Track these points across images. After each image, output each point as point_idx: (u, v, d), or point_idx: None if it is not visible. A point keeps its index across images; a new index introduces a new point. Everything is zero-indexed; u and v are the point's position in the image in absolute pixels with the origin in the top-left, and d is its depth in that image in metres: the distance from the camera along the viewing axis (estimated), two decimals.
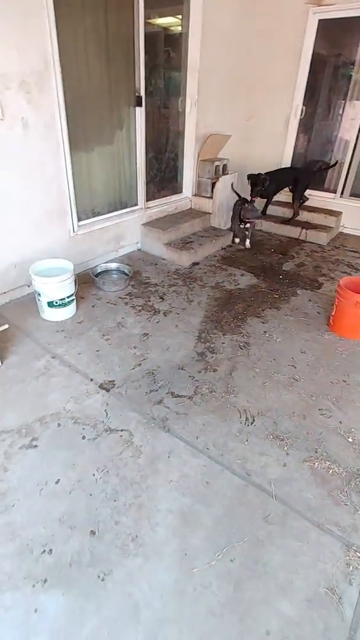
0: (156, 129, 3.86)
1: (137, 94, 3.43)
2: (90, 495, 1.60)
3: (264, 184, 4.24)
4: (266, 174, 4.30)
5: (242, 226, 4.19)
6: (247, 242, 4.26)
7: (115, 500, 1.58)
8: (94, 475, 1.68)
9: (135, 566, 1.38)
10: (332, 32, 4.18)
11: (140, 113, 3.48)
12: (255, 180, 4.26)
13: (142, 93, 3.44)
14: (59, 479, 1.66)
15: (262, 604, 1.30)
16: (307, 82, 4.44)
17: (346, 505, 1.61)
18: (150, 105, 3.62)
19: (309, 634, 1.24)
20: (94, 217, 3.44)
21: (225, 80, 4.30)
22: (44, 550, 1.41)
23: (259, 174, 4.28)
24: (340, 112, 4.54)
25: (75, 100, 2.91)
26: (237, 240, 4.35)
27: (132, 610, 1.27)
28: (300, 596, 1.32)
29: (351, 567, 1.40)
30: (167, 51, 3.75)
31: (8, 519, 1.50)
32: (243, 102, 4.73)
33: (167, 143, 4.11)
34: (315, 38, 4.22)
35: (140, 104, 3.46)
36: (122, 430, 1.90)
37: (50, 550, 1.42)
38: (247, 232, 4.23)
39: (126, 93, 3.35)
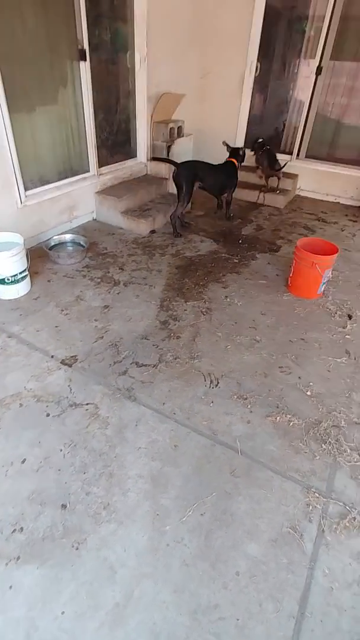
0: (105, 87, 3.58)
1: (79, 47, 3.14)
2: (59, 470, 1.59)
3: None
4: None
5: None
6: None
7: (84, 473, 1.58)
8: (61, 450, 1.66)
9: (109, 532, 1.41)
10: None
11: (85, 68, 3.21)
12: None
13: (86, 45, 3.15)
14: (25, 459, 1.63)
15: (231, 549, 1.38)
16: (262, 37, 4.26)
17: (305, 452, 1.71)
18: (96, 60, 3.33)
19: (274, 569, 1.34)
20: (42, 185, 3.21)
21: (177, 33, 4.04)
22: (15, 529, 1.40)
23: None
24: (295, 70, 4.45)
25: (9, 52, 2.61)
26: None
27: (108, 572, 1.30)
28: (265, 538, 1.42)
29: (311, 506, 1.52)
30: None
31: None
32: (196, 58, 4.49)
33: (118, 103, 3.84)
34: None
35: (84, 58, 3.18)
36: (87, 404, 1.88)
37: (21, 528, 1.41)
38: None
39: (67, 45, 3.05)
